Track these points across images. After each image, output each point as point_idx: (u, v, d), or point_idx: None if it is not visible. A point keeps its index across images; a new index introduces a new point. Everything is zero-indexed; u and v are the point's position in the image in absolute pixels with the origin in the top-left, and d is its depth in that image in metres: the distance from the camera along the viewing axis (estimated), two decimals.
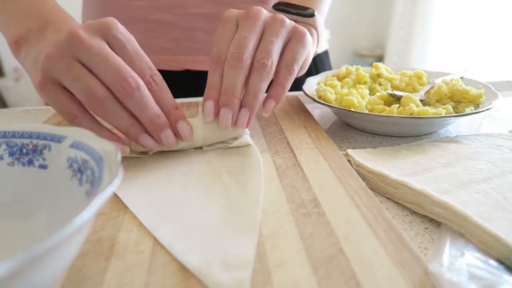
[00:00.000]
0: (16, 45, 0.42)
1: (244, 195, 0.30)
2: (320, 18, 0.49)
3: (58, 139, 0.26)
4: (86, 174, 0.23)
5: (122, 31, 0.34)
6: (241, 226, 0.26)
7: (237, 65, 0.36)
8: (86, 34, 0.33)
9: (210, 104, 0.37)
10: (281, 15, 0.40)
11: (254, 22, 0.38)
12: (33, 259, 0.14)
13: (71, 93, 0.34)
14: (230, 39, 0.39)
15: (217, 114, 0.37)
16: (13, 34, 0.42)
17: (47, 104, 0.43)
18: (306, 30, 0.40)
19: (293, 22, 0.40)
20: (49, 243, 0.14)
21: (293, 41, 0.40)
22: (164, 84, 0.36)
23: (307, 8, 0.47)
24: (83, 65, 0.32)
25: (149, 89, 0.34)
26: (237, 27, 0.39)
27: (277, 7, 0.48)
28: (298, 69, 0.41)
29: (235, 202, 0.29)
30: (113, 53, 0.33)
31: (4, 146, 0.27)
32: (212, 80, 0.38)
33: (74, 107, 0.34)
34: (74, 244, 0.19)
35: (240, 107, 0.38)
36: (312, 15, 0.47)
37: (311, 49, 0.42)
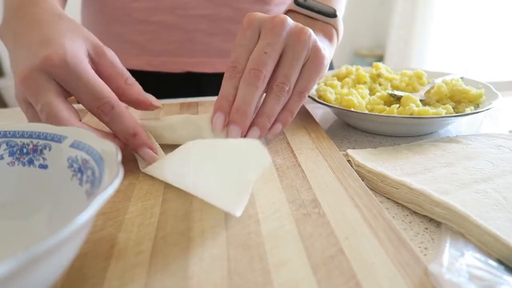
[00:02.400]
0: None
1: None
2: (340, 17, 0.48)
3: (59, 139, 0.26)
4: (86, 174, 0.23)
5: (56, 62, 0.33)
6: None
7: (254, 83, 0.36)
8: (27, 81, 0.32)
9: (220, 118, 0.37)
10: (307, 29, 0.38)
11: (278, 35, 0.37)
12: (33, 259, 0.14)
13: None
14: (250, 48, 0.38)
15: (226, 125, 0.37)
16: None
17: None
18: (325, 54, 0.39)
19: (315, 39, 0.39)
20: (50, 243, 0.14)
21: (310, 65, 0.39)
22: (116, 109, 0.34)
23: (328, 6, 0.46)
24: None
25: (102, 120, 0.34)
26: (259, 35, 0.38)
27: (298, 2, 0.47)
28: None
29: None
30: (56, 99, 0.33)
31: (4, 146, 0.27)
32: (225, 90, 0.37)
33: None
34: (74, 244, 0.19)
35: (252, 125, 0.37)
36: (335, 16, 0.47)
37: (327, 66, 0.42)
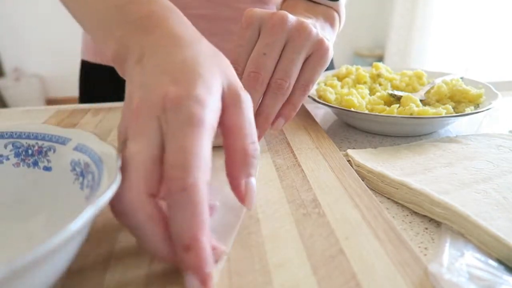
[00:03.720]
0: (116, 65, 0.30)
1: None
2: (342, 1, 0.47)
3: (63, 141, 0.26)
4: (87, 178, 0.23)
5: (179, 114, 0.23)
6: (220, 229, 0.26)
7: (253, 86, 0.35)
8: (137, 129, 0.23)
9: None
10: (307, 24, 0.37)
11: (277, 34, 0.36)
12: (13, 273, 0.14)
13: None
14: (250, 48, 0.37)
15: None
16: (108, 52, 0.30)
17: (46, 104, 0.42)
18: (329, 45, 0.38)
19: (317, 32, 0.37)
20: (32, 256, 0.14)
21: (314, 58, 0.38)
22: (199, 196, 0.21)
23: None
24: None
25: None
26: (259, 33, 0.37)
27: None
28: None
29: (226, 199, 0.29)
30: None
31: (10, 147, 0.27)
32: None
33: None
34: (68, 250, 0.18)
35: None
36: None
37: (331, 57, 0.39)
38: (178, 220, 0.20)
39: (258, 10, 0.38)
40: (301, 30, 0.37)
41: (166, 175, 0.21)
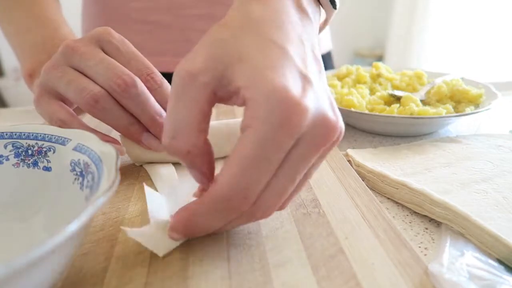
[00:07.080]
0: (29, 78, 0.42)
1: None
2: None
3: (63, 142, 0.26)
4: (87, 178, 0.23)
5: (115, 35, 0.34)
6: None
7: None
8: (80, 43, 0.33)
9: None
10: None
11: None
12: (15, 273, 0.14)
13: (63, 102, 0.34)
14: None
15: None
16: (27, 67, 0.42)
17: None
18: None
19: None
20: (32, 256, 0.14)
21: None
22: (165, 83, 0.34)
23: None
24: (78, 71, 0.32)
25: (148, 87, 0.33)
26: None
27: None
28: None
29: None
30: (106, 56, 0.33)
31: (10, 147, 0.27)
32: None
33: (62, 114, 0.33)
34: (67, 250, 0.18)
35: None
36: None
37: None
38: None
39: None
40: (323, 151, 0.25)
41: (138, 74, 0.33)
